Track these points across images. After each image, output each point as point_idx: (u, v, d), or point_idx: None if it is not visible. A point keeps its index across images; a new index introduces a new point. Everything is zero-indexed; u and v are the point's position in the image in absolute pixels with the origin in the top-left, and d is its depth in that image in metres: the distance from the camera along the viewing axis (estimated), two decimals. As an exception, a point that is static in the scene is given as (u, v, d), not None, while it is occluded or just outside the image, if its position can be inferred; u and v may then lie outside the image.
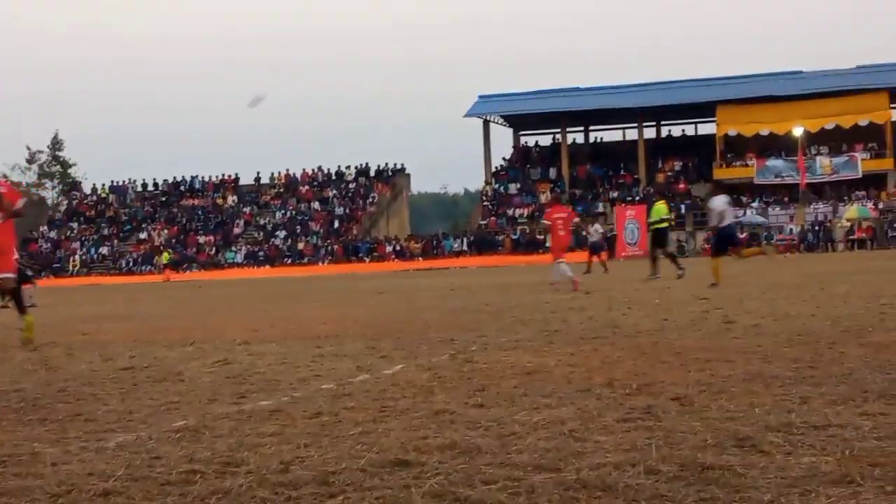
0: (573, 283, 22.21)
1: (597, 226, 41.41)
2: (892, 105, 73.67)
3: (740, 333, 10.57)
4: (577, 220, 25.29)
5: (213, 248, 79.45)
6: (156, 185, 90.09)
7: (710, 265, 21.82)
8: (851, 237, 65.32)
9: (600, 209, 74.51)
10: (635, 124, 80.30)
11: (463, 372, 8.32)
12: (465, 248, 72.04)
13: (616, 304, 16.37)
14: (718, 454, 4.76)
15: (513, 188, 79.83)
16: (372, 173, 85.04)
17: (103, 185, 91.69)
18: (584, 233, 43.30)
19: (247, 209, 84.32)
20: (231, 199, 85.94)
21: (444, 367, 8.66)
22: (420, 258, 71.46)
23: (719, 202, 22.16)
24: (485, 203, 79.97)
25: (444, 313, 16.36)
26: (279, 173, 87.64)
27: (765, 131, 74.43)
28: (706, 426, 5.45)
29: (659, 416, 5.82)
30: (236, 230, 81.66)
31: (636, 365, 8.27)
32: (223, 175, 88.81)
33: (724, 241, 22.40)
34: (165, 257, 71.08)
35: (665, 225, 27.43)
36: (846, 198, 70.49)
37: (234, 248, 78.51)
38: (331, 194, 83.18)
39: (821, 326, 10.92)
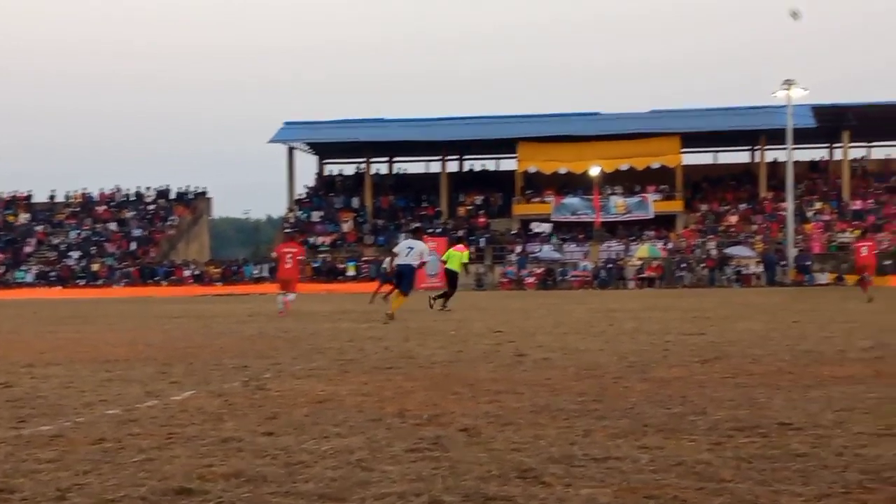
0: (283, 308, 24.91)
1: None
2: (683, 149, 76.61)
3: (530, 366, 10.78)
4: (301, 256, 27.31)
5: (3, 267, 76.50)
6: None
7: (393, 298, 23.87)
8: (641, 275, 67.44)
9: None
10: (439, 157, 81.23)
11: (254, 399, 8.24)
12: (265, 274, 71.30)
13: (413, 335, 16.47)
14: (501, 485, 4.84)
15: (315, 216, 79.53)
16: (172, 195, 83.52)
17: None
18: (382, 264, 43.51)
19: (40, 228, 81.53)
20: (23, 217, 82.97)
21: (235, 394, 8.56)
22: (219, 283, 70.41)
23: (403, 245, 24.26)
24: (287, 230, 79.46)
25: (240, 339, 16.16)
26: (75, 192, 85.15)
27: (563, 169, 76.33)
28: (492, 457, 5.54)
29: (447, 447, 5.88)
30: (28, 249, 78.84)
31: (428, 396, 8.35)
32: (15, 192, 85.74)
33: (399, 279, 23.51)
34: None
35: (455, 269, 29.64)
36: (637, 237, 72.85)
37: (24, 268, 75.74)
38: (128, 215, 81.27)
39: (608, 361, 11.23)
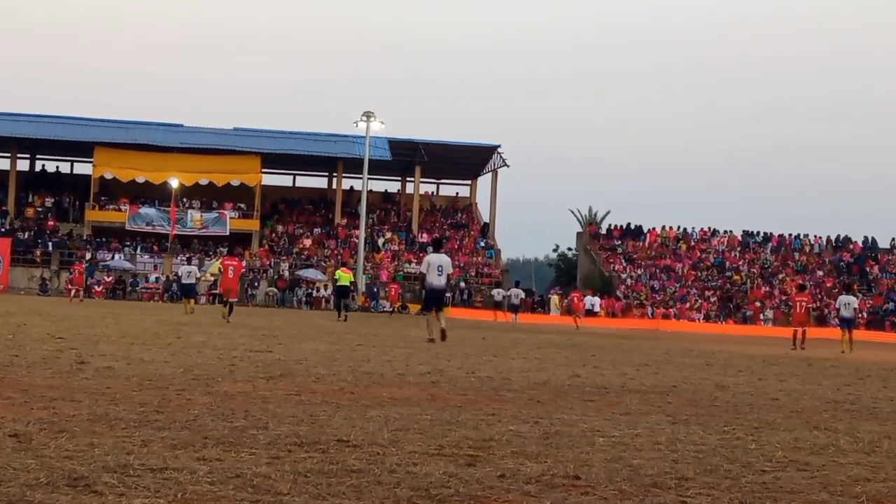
0: None
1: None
2: (263, 169, 77.12)
3: (91, 375, 10.42)
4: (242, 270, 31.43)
5: None
6: None
7: None
8: (214, 291, 67.07)
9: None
10: (7, 154, 77.11)
11: None
12: None
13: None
14: (49, 492, 4.62)
15: None
16: None
17: None
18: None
19: None
20: None
21: None
22: None
23: (184, 269, 36.84)
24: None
25: None
26: None
27: (141, 178, 74.66)
28: (41, 464, 5.28)
29: (-8, 453, 5.55)
30: None
31: (-24, 400, 7.86)
32: None
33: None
34: None
35: (346, 284, 40.76)
36: (212, 253, 72.46)
37: None
38: None
39: (172, 373, 11.05)
